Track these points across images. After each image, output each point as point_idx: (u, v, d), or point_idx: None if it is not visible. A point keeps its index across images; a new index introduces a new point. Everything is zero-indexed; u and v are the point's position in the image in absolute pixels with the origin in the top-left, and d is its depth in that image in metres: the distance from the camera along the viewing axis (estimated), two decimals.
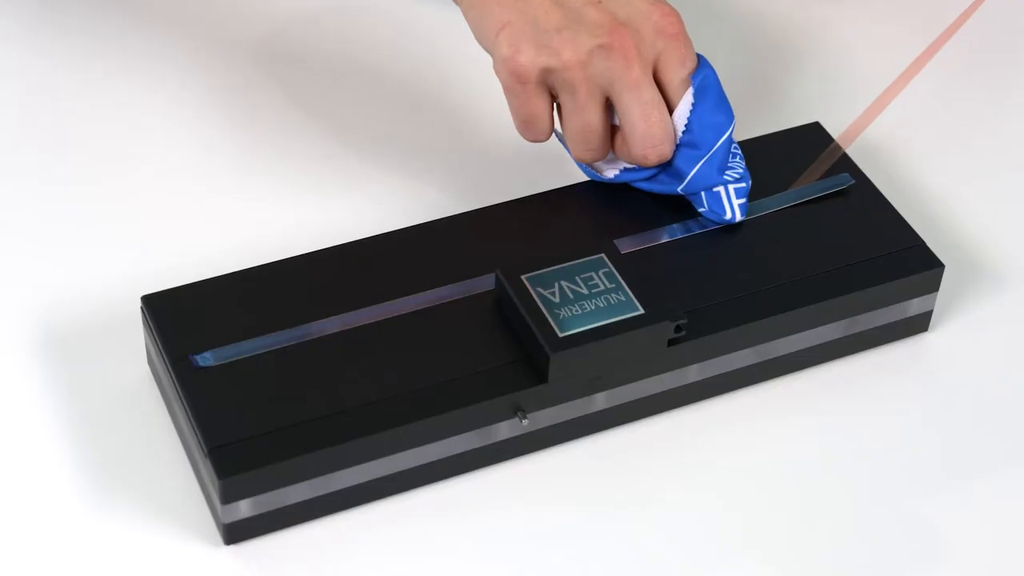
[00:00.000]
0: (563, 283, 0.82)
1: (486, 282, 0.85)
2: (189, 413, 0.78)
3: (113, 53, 1.03)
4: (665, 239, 0.88)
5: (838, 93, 1.04)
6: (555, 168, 0.97)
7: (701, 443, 0.85)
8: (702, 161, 0.86)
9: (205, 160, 0.97)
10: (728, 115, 0.87)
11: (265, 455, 0.77)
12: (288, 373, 0.80)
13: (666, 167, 0.87)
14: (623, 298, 0.82)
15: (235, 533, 0.79)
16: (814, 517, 0.82)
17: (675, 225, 0.88)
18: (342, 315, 0.83)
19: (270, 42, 1.04)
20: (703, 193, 0.87)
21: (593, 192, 0.90)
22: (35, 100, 1.01)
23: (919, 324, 0.90)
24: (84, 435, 0.83)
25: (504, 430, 0.81)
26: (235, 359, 0.81)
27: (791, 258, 0.87)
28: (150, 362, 0.85)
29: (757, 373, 0.87)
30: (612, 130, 0.88)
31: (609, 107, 0.87)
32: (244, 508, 0.78)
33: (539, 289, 0.82)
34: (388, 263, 0.86)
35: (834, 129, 0.97)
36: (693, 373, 0.84)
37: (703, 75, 0.86)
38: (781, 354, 0.86)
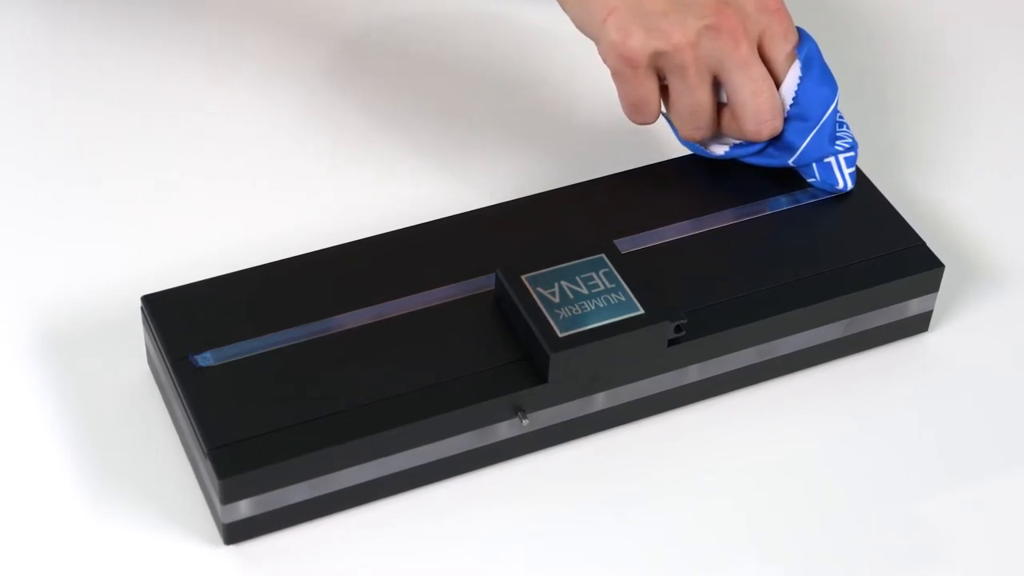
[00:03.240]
0: (563, 283, 0.82)
1: (486, 282, 0.85)
2: (189, 413, 0.78)
3: (114, 52, 1.03)
4: (665, 239, 0.88)
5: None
6: (555, 168, 0.97)
7: (701, 443, 0.85)
8: (812, 133, 0.88)
9: (205, 160, 0.97)
10: (833, 86, 0.88)
11: (265, 455, 0.77)
12: (288, 373, 0.80)
13: (775, 141, 0.89)
14: (623, 298, 0.82)
15: (235, 533, 0.79)
16: (814, 517, 0.82)
17: (675, 225, 0.88)
18: (342, 315, 0.83)
19: (275, 40, 1.04)
20: (814, 164, 0.89)
21: (593, 192, 0.90)
22: (35, 99, 1.01)
23: (919, 324, 0.90)
24: (84, 435, 0.83)
25: (504, 430, 0.81)
26: (235, 359, 0.81)
27: (791, 258, 0.87)
28: (150, 362, 0.85)
29: (757, 373, 0.87)
30: (718, 108, 0.90)
31: (716, 85, 0.88)
32: (244, 508, 0.78)
33: (539, 289, 0.82)
34: (388, 263, 0.86)
35: None
36: (693, 373, 0.84)
37: (807, 48, 0.88)
38: (781, 354, 0.86)
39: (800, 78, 0.88)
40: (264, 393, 0.79)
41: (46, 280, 0.90)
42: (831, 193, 0.90)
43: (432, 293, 0.84)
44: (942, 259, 0.90)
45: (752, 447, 0.84)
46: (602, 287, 0.82)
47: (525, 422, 0.81)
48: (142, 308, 0.83)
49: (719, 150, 0.90)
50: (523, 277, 0.82)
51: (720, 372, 0.85)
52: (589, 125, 1.01)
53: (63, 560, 0.78)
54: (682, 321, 0.82)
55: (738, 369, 0.86)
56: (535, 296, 0.81)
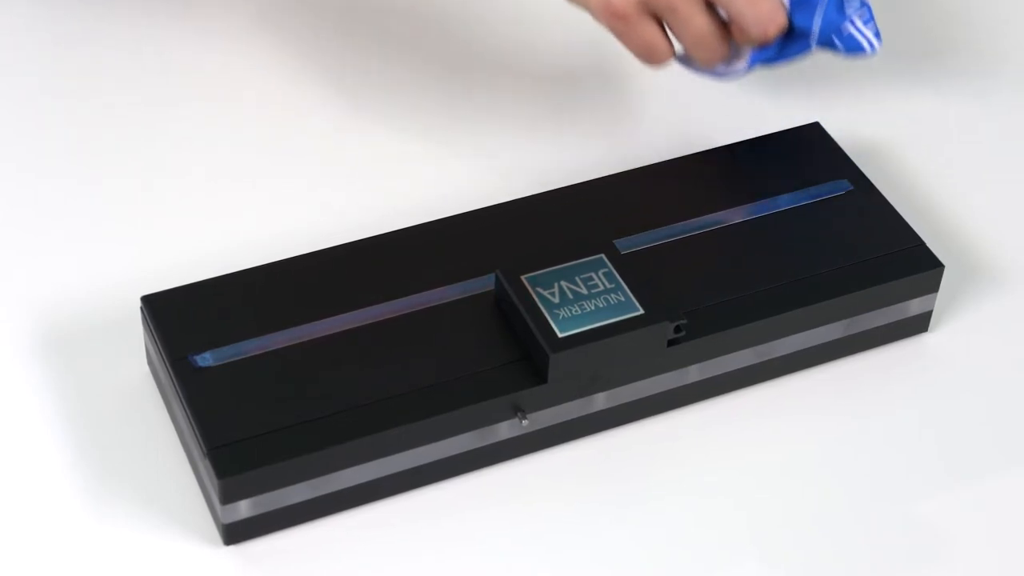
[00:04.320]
0: (563, 283, 0.82)
1: (486, 282, 0.85)
2: (189, 413, 0.78)
3: (114, 52, 1.03)
4: (665, 239, 0.88)
5: (838, 93, 1.04)
6: (555, 168, 0.97)
7: (701, 443, 0.85)
8: (820, 11, 0.88)
9: (205, 160, 0.97)
10: None
11: (265, 455, 0.77)
12: (288, 373, 0.80)
13: (789, 34, 0.90)
14: (623, 298, 0.82)
15: (235, 533, 0.79)
16: (814, 517, 0.82)
17: (675, 225, 0.88)
18: (342, 315, 0.83)
19: (275, 41, 1.04)
20: (834, 39, 0.89)
21: (593, 192, 0.90)
22: (35, 98, 1.00)
23: (919, 324, 0.90)
24: (84, 435, 0.83)
25: (504, 430, 0.81)
26: (235, 359, 0.81)
27: (791, 258, 0.87)
28: (150, 362, 0.85)
29: (757, 373, 0.87)
30: (725, 26, 0.90)
31: (711, 5, 0.89)
32: (244, 508, 0.78)
33: (539, 289, 0.82)
34: (388, 263, 0.86)
35: (834, 129, 0.97)
36: (693, 373, 0.84)
37: None
38: (781, 354, 0.86)
39: None
40: (264, 393, 0.79)
41: (46, 280, 0.90)
42: (833, 193, 0.90)
43: (432, 293, 0.84)
44: (942, 259, 0.90)
45: (752, 447, 0.84)
46: (602, 287, 0.82)
47: (525, 422, 0.81)
48: (142, 308, 0.83)
49: (740, 65, 0.91)
50: (523, 277, 0.82)
51: (720, 372, 0.85)
52: (589, 125, 1.01)
53: (63, 560, 0.78)
54: (682, 321, 0.82)
55: (738, 369, 0.86)
56: (535, 296, 0.81)
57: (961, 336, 0.90)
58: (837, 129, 0.98)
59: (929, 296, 0.88)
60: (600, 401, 0.83)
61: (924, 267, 0.87)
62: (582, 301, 0.81)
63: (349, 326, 0.82)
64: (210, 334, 0.81)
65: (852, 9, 0.90)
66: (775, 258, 0.87)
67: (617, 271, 0.83)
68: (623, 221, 0.88)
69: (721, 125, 1.00)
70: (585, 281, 0.82)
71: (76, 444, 0.82)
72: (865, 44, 0.90)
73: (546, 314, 0.81)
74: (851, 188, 0.91)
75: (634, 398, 0.84)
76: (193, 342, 0.81)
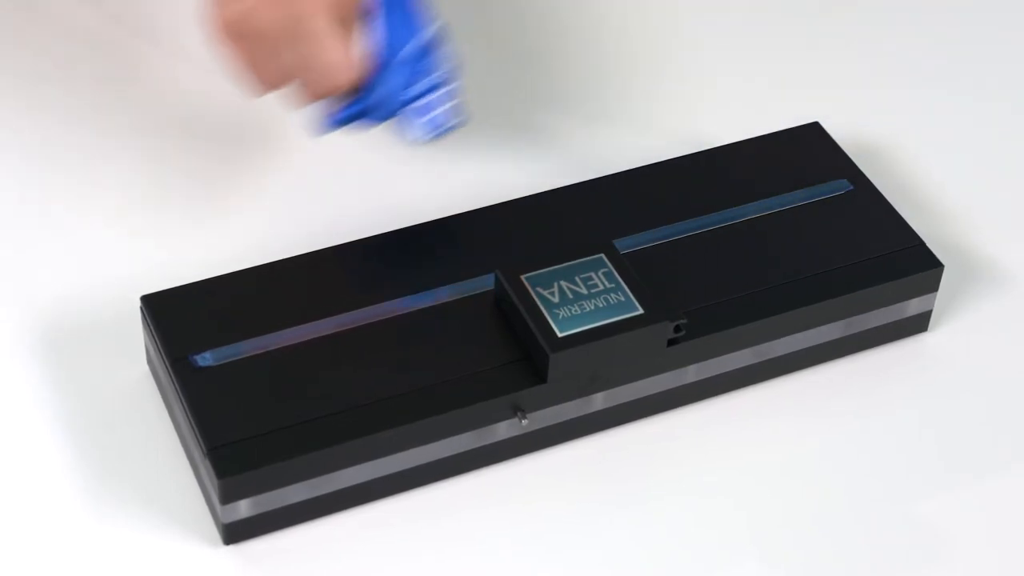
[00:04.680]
0: (563, 283, 0.82)
1: (486, 282, 0.85)
2: (189, 413, 0.78)
3: (115, 52, 1.03)
4: (665, 239, 0.88)
5: (838, 93, 1.04)
6: (555, 168, 0.97)
7: (701, 443, 0.85)
8: (395, 79, 0.85)
9: (205, 160, 0.97)
10: (420, 25, 0.85)
11: (265, 455, 0.77)
12: (288, 373, 0.80)
13: (369, 94, 0.86)
14: (622, 298, 0.82)
15: (234, 533, 0.79)
16: (814, 517, 0.82)
17: (675, 225, 0.88)
18: (342, 315, 0.83)
19: None
20: (405, 112, 0.86)
21: (593, 192, 0.90)
22: (35, 97, 1.00)
23: (918, 324, 0.90)
24: (84, 435, 0.83)
25: (503, 430, 0.81)
26: (235, 359, 0.81)
27: (791, 258, 0.87)
28: (150, 362, 0.85)
29: (757, 373, 0.87)
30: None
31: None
32: (244, 508, 0.78)
33: (539, 289, 0.82)
34: (388, 263, 0.86)
35: (834, 129, 0.97)
36: (692, 373, 0.84)
37: None
38: (781, 354, 0.86)
39: (375, 23, 0.84)
40: (264, 393, 0.79)
41: (46, 280, 0.90)
42: (833, 193, 0.90)
43: (432, 293, 0.84)
44: (942, 259, 0.90)
45: (752, 447, 0.84)
46: (601, 287, 0.82)
47: (524, 422, 0.81)
48: (142, 308, 0.83)
49: (329, 117, 0.87)
50: (523, 277, 0.82)
51: (720, 372, 0.85)
52: (589, 125, 1.01)
53: (63, 560, 0.78)
54: (682, 321, 0.82)
55: (738, 369, 0.86)
56: (535, 296, 0.81)
57: (961, 336, 0.90)
58: (837, 129, 0.98)
59: (928, 296, 0.88)
60: (600, 401, 0.83)
61: (924, 267, 0.87)
62: (582, 301, 0.81)
63: (349, 326, 0.82)
64: (210, 334, 0.81)
65: (422, 89, 0.86)
66: (775, 258, 0.87)
67: (617, 271, 0.83)
68: (623, 221, 0.88)
69: (721, 125, 1.00)
70: (585, 281, 0.82)
71: (76, 444, 0.82)
72: (433, 123, 0.86)
73: (546, 314, 0.81)
74: (851, 188, 0.91)
75: (634, 398, 0.84)
76: (193, 342, 0.81)
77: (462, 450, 0.81)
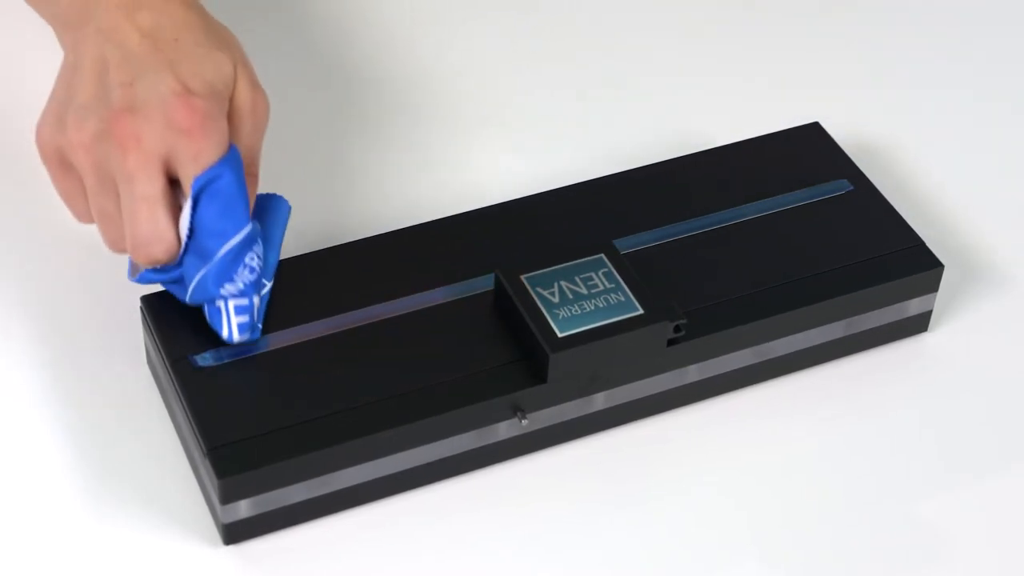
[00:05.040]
0: (563, 283, 0.82)
1: (486, 282, 0.85)
2: (189, 413, 0.78)
3: None
4: (665, 239, 0.88)
5: (838, 93, 1.04)
6: (555, 168, 0.97)
7: (701, 443, 0.85)
8: (202, 271, 0.80)
9: None
10: (238, 223, 0.79)
11: (265, 455, 0.77)
12: (288, 373, 0.80)
13: (177, 272, 0.81)
14: (622, 298, 0.82)
15: (234, 533, 0.79)
16: (814, 517, 0.82)
17: (675, 225, 0.88)
18: (342, 315, 0.83)
19: (273, 40, 1.04)
20: (205, 305, 0.81)
21: (593, 192, 0.90)
22: (35, 97, 1.00)
23: (919, 324, 0.90)
24: (84, 435, 0.83)
25: (504, 430, 0.81)
26: (234, 359, 0.81)
27: (791, 258, 0.87)
28: (150, 362, 0.85)
29: (757, 373, 0.87)
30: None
31: None
32: (244, 508, 0.78)
33: (539, 289, 0.82)
34: (388, 263, 0.86)
35: (834, 129, 0.97)
36: (692, 373, 0.84)
37: (212, 176, 0.78)
38: (781, 354, 0.86)
39: (194, 209, 0.79)
40: (264, 393, 0.79)
41: (46, 280, 0.90)
42: (833, 193, 0.90)
43: (432, 293, 0.84)
44: (942, 259, 0.90)
45: (752, 447, 0.84)
46: (601, 287, 0.82)
47: (524, 422, 0.81)
48: (142, 308, 0.83)
49: (135, 272, 0.82)
50: (523, 277, 0.82)
51: (720, 372, 0.85)
52: (589, 125, 1.01)
53: (63, 560, 0.78)
54: (682, 321, 0.82)
55: (738, 369, 0.86)
56: (535, 296, 0.81)
57: (961, 336, 0.90)
58: (837, 129, 0.98)
59: (929, 296, 0.88)
60: (600, 401, 0.83)
61: (924, 267, 0.87)
62: (582, 301, 0.81)
63: (349, 326, 0.82)
64: (210, 334, 0.81)
65: (230, 291, 0.80)
66: (775, 258, 0.87)
67: (617, 271, 0.83)
68: (623, 221, 0.88)
69: (721, 125, 1.00)
70: (585, 281, 0.82)
71: (76, 444, 0.82)
72: (224, 330, 0.80)
73: (546, 314, 0.81)
74: (851, 188, 0.91)
75: (634, 398, 0.84)
76: (193, 342, 0.81)
77: (462, 450, 0.81)
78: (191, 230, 0.79)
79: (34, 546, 0.79)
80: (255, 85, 0.82)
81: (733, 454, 0.84)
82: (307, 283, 0.84)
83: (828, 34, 1.08)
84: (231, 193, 0.79)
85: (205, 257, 0.79)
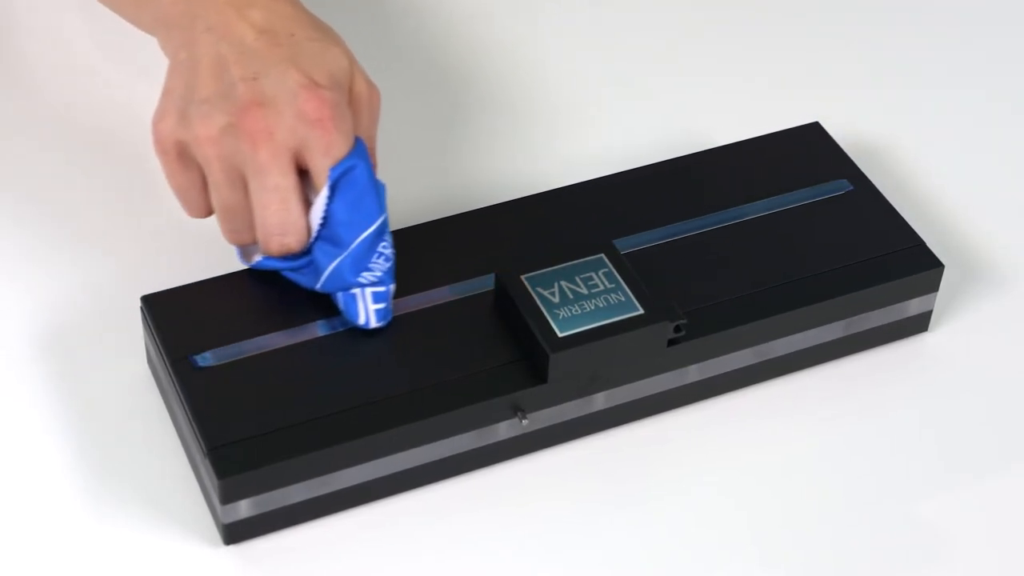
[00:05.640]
0: (563, 283, 0.82)
1: (486, 282, 0.85)
2: (189, 413, 0.78)
3: (116, 52, 1.03)
4: (665, 239, 0.88)
5: (838, 93, 1.04)
6: (554, 169, 0.97)
7: (701, 443, 0.85)
8: (338, 259, 0.81)
9: None
10: (372, 212, 0.81)
11: (265, 455, 0.77)
12: (288, 373, 0.80)
13: (307, 262, 0.83)
14: (622, 298, 0.82)
15: (235, 533, 0.79)
16: (813, 517, 0.82)
17: (675, 225, 0.88)
18: (342, 315, 0.83)
19: None
20: (339, 293, 0.82)
21: (593, 192, 0.90)
22: (35, 98, 1.00)
23: (919, 324, 0.90)
24: (84, 435, 0.83)
25: (504, 430, 0.81)
26: (235, 359, 0.81)
27: (791, 258, 0.87)
28: (150, 362, 0.85)
29: (757, 373, 0.87)
30: None
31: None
32: (244, 508, 0.78)
33: (539, 289, 0.82)
34: None
35: (834, 129, 0.97)
36: (693, 373, 0.84)
37: (347, 166, 0.80)
38: (781, 354, 0.86)
39: (330, 198, 0.80)
40: (264, 393, 0.79)
41: (46, 279, 0.90)
42: (833, 193, 0.90)
43: (432, 293, 0.84)
44: (942, 259, 0.90)
45: (752, 447, 0.84)
46: (602, 287, 0.82)
47: (525, 422, 0.81)
48: (142, 308, 0.83)
49: (255, 257, 0.84)
50: (523, 277, 0.82)
51: (720, 372, 0.85)
52: (589, 125, 1.01)
53: (63, 560, 0.78)
54: (682, 321, 0.82)
55: (738, 369, 0.86)
56: (535, 296, 0.81)
57: (961, 336, 0.90)
58: (837, 129, 0.98)
59: (929, 296, 0.88)
60: (600, 401, 0.83)
61: (924, 267, 0.87)
62: (582, 301, 0.81)
63: (349, 326, 0.82)
64: (210, 334, 0.81)
65: (368, 280, 0.81)
66: (775, 258, 0.87)
67: (617, 271, 0.83)
68: (623, 221, 0.88)
69: (721, 125, 1.00)
70: (585, 281, 0.82)
71: (76, 444, 0.82)
72: (361, 317, 0.81)
73: (546, 314, 0.81)
74: (851, 188, 0.91)
75: (634, 398, 0.84)
76: (193, 342, 0.81)
77: (462, 450, 0.81)
78: (324, 219, 0.81)
79: (34, 546, 0.79)
80: (367, 77, 0.84)
81: (733, 454, 0.84)
82: None
83: (828, 34, 1.08)
84: (365, 183, 0.81)
85: (339, 246, 0.81)
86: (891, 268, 0.87)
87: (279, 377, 0.80)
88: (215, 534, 0.79)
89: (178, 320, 0.82)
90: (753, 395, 0.87)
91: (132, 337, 0.86)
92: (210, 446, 0.77)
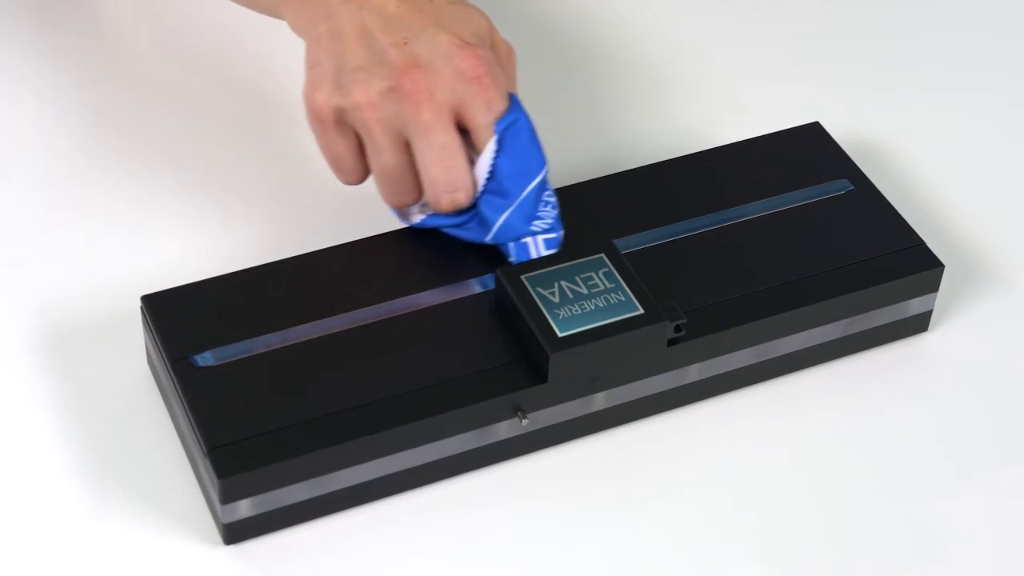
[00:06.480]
0: (563, 283, 0.82)
1: (486, 282, 0.85)
2: (189, 413, 0.78)
3: (112, 54, 1.03)
4: (665, 239, 0.88)
5: (838, 93, 1.04)
6: (554, 170, 0.97)
7: (701, 443, 0.85)
8: (508, 211, 0.84)
9: (206, 160, 0.97)
10: (538, 162, 0.84)
11: (265, 455, 0.77)
12: (288, 373, 0.80)
13: (476, 215, 0.85)
14: (623, 298, 0.82)
15: (235, 533, 0.79)
16: (813, 517, 0.82)
17: (675, 225, 0.88)
18: (342, 315, 0.83)
19: (271, 39, 1.04)
20: (511, 244, 0.84)
21: (593, 192, 0.90)
22: (35, 99, 1.01)
23: (919, 324, 0.90)
24: (84, 435, 0.83)
25: (504, 430, 0.81)
26: (235, 359, 0.81)
27: (791, 258, 0.87)
28: (150, 362, 0.85)
29: (757, 373, 0.87)
30: None
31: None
32: (244, 508, 0.78)
33: (539, 289, 0.82)
34: (388, 263, 0.86)
35: (834, 129, 0.97)
36: (693, 373, 0.84)
37: (511, 120, 0.83)
38: (781, 354, 0.86)
39: (497, 151, 0.83)
40: (264, 393, 0.79)
41: (46, 280, 0.90)
42: (833, 193, 0.90)
43: (432, 293, 0.84)
44: (942, 259, 0.90)
45: (752, 447, 0.84)
46: (602, 287, 0.82)
47: (525, 422, 0.81)
48: (142, 308, 0.83)
49: (416, 217, 0.86)
50: (523, 277, 0.82)
51: (720, 372, 0.85)
52: (589, 125, 1.01)
53: (63, 560, 0.78)
54: (682, 321, 0.82)
55: (738, 369, 0.86)
56: (535, 296, 0.81)
57: (961, 336, 0.90)
58: (837, 129, 0.98)
59: (929, 296, 0.88)
60: (600, 401, 0.83)
61: (924, 267, 0.88)
62: (582, 301, 0.81)
63: (349, 326, 0.82)
64: (210, 334, 0.81)
65: (540, 228, 0.84)
66: (775, 258, 0.87)
67: (617, 271, 0.83)
68: (623, 221, 0.88)
69: (721, 125, 1.00)
70: (585, 281, 0.82)
71: (76, 444, 0.82)
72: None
73: (546, 314, 0.81)
74: (851, 188, 0.91)
75: (634, 398, 0.84)
76: (193, 342, 0.81)
77: (462, 450, 0.81)
78: (490, 173, 0.83)
79: (35, 546, 0.79)
80: (502, 36, 0.86)
81: (733, 454, 0.84)
82: (307, 283, 0.84)
83: (828, 34, 1.08)
84: (529, 135, 0.84)
85: (507, 198, 0.83)
86: (891, 268, 0.87)
87: (279, 377, 0.80)
88: (215, 534, 0.79)
89: (178, 320, 0.82)
90: (753, 395, 0.87)
91: (132, 337, 0.86)
92: (210, 446, 0.77)
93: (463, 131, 0.84)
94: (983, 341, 0.90)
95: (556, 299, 0.81)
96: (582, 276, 0.83)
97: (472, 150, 0.84)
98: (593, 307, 0.81)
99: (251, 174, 0.96)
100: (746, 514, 0.82)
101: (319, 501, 0.79)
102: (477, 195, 0.84)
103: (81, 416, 0.83)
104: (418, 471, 0.81)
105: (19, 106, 1.00)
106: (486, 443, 0.81)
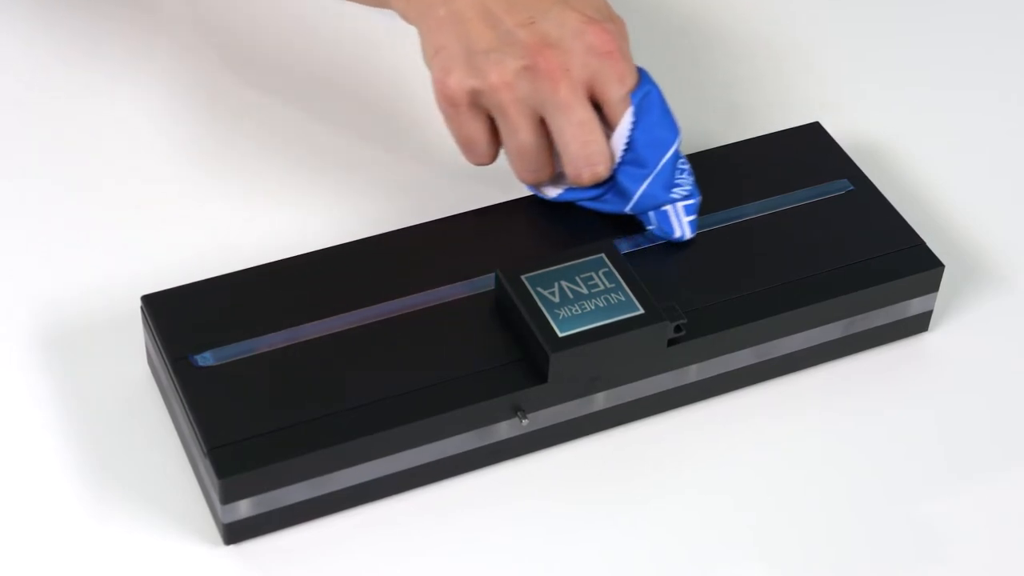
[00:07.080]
0: (563, 283, 0.82)
1: (486, 282, 0.85)
2: (189, 413, 0.78)
3: (110, 55, 1.03)
4: (665, 239, 0.88)
5: (838, 93, 1.04)
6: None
7: (701, 443, 0.85)
8: (647, 180, 0.86)
9: (206, 160, 0.97)
10: (672, 130, 0.86)
11: (265, 455, 0.77)
12: (288, 373, 0.80)
13: (613, 186, 0.87)
14: (623, 298, 0.82)
15: (235, 533, 0.79)
16: (813, 517, 0.82)
17: None
18: (342, 315, 0.83)
19: (272, 39, 1.04)
20: (651, 212, 0.86)
21: None
22: (34, 100, 1.01)
23: (919, 324, 0.90)
24: (84, 435, 0.83)
25: (504, 430, 0.81)
26: (235, 359, 0.81)
27: (791, 258, 0.87)
28: (150, 362, 0.85)
29: (757, 373, 0.87)
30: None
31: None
32: (244, 508, 0.78)
33: (539, 289, 0.82)
34: (389, 263, 0.86)
35: (834, 129, 0.97)
36: (693, 373, 0.84)
37: (644, 91, 0.85)
38: (781, 354, 0.86)
39: (633, 123, 0.85)
40: (264, 393, 0.79)
41: (47, 280, 0.90)
42: (833, 193, 0.90)
43: (432, 293, 0.84)
44: (942, 259, 0.90)
45: (752, 447, 0.84)
46: (602, 287, 0.82)
47: (525, 422, 0.81)
48: (142, 308, 0.83)
49: (552, 192, 0.88)
50: (523, 277, 0.82)
51: (720, 372, 0.85)
52: None
53: (63, 560, 0.78)
54: (682, 321, 0.82)
55: (738, 369, 0.86)
56: (535, 296, 0.81)
57: (961, 336, 0.90)
58: (837, 129, 0.98)
59: (929, 296, 0.88)
60: (600, 401, 0.83)
61: (924, 267, 0.88)
62: (582, 301, 0.81)
63: (349, 326, 0.82)
64: (210, 334, 0.81)
65: (679, 195, 0.86)
66: (775, 258, 0.87)
67: (617, 271, 0.83)
68: (623, 221, 0.88)
69: (721, 125, 1.00)
70: (585, 281, 0.82)
71: (76, 444, 0.82)
72: (677, 230, 0.86)
73: (546, 314, 0.81)
74: (851, 188, 0.91)
75: (634, 398, 0.84)
76: (193, 342, 0.81)
77: (462, 450, 0.81)
78: (628, 144, 0.85)
79: (35, 546, 0.79)
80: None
81: (733, 454, 0.84)
82: (307, 283, 0.84)
83: (828, 34, 1.08)
84: (661, 105, 0.86)
85: (645, 167, 0.85)
86: (891, 268, 0.87)
87: (279, 377, 0.80)
88: (215, 534, 0.79)
89: (178, 320, 0.82)
90: (753, 395, 0.87)
91: (132, 337, 0.86)
92: (210, 446, 0.77)
93: (595, 105, 0.85)
94: (983, 341, 0.90)
95: (556, 299, 0.81)
96: (582, 276, 0.83)
97: (604, 123, 0.86)
98: (593, 307, 0.81)
99: (251, 174, 0.96)
100: (746, 514, 0.82)
101: (319, 501, 0.79)
102: (615, 167, 0.86)
103: (81, 416, 0.83)
104: (418, 471, 0.81)
105: (18, 106, 1.00)
106: (486, 443, 0.81)
